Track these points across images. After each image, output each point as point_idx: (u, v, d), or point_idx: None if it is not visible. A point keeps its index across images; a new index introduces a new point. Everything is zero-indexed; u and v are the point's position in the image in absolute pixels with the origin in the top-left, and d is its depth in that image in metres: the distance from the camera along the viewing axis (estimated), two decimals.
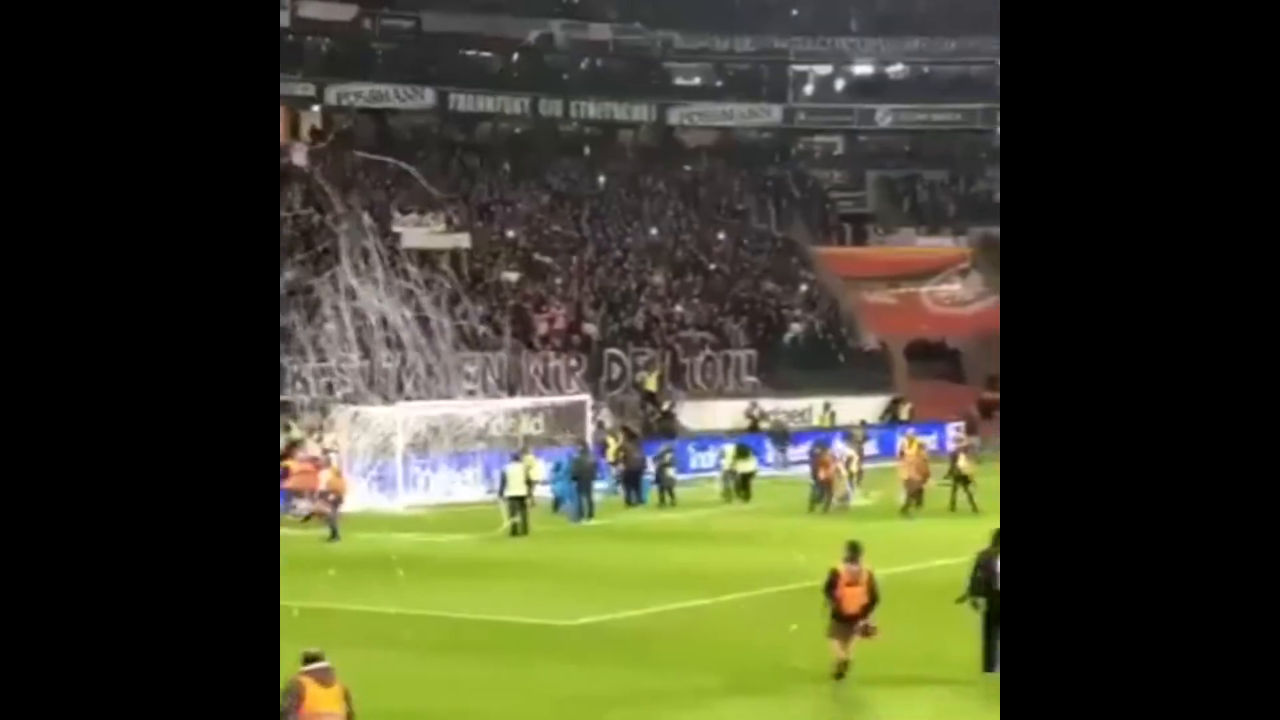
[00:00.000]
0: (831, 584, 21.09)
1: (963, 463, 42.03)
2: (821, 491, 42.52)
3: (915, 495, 40.92)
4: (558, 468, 42.81)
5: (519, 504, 38.00)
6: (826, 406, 62.19)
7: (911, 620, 22.98)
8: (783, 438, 58.27)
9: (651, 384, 59.52)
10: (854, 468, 44.30)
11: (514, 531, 37.45)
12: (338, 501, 37.37)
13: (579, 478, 41.59)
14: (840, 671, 21.06)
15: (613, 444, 47.20)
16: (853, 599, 20.89)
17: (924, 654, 22.38)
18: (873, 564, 21.40)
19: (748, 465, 46.53)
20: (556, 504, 41.73)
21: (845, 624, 20.97)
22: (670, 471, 45.56)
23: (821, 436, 49.63)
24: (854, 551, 21.31)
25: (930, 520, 39.01)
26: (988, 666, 20.65)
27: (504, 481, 38.55)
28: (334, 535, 36.37)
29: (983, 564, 21.25)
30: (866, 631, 21.05)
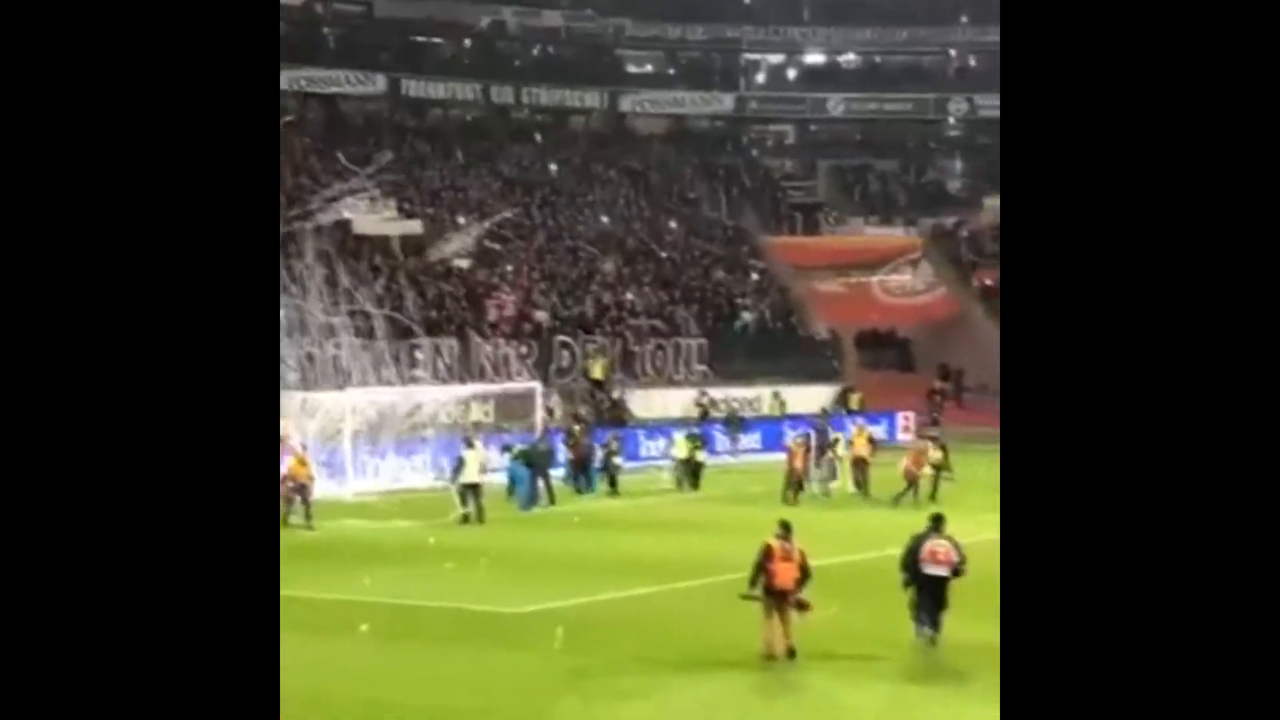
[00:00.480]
0: (765, 558, 21.59)
1: (934, 453, 42.01)
2: (798, 481, 42.53)
3: (912, 484, 40.63)
4: (510, 451, 42.63)
5: (473, 491, 37.95)
6: (776, 395, 62.31)
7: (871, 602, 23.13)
8: (736, 425, 58.37)
9: (598, 372, 59.51)
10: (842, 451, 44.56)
11: (466, 520, 37.38)
12: (302, 489, 36.71)
13: (533, 465, 41.53)
14: (773, 653, 21.47)
15: (578, 431, 47.16)
16: (785, 574, 21.43)
17: (876, 635, 22.54)
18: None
19: (699, 455, 46.56)
20: (510, 490, 41.67)
21: (778, 598, 21.45)
22: (617, 460, 45.51)
23: (804, 426, 49.54)
24: (785, 529, 22.00)
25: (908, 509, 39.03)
26: (933, 628, 22.42)
27: (458, 468, 38.52)
28: (307, 522, 35.89)
29: (913, 547, 22.71)
30: (801, 605, 21.52)
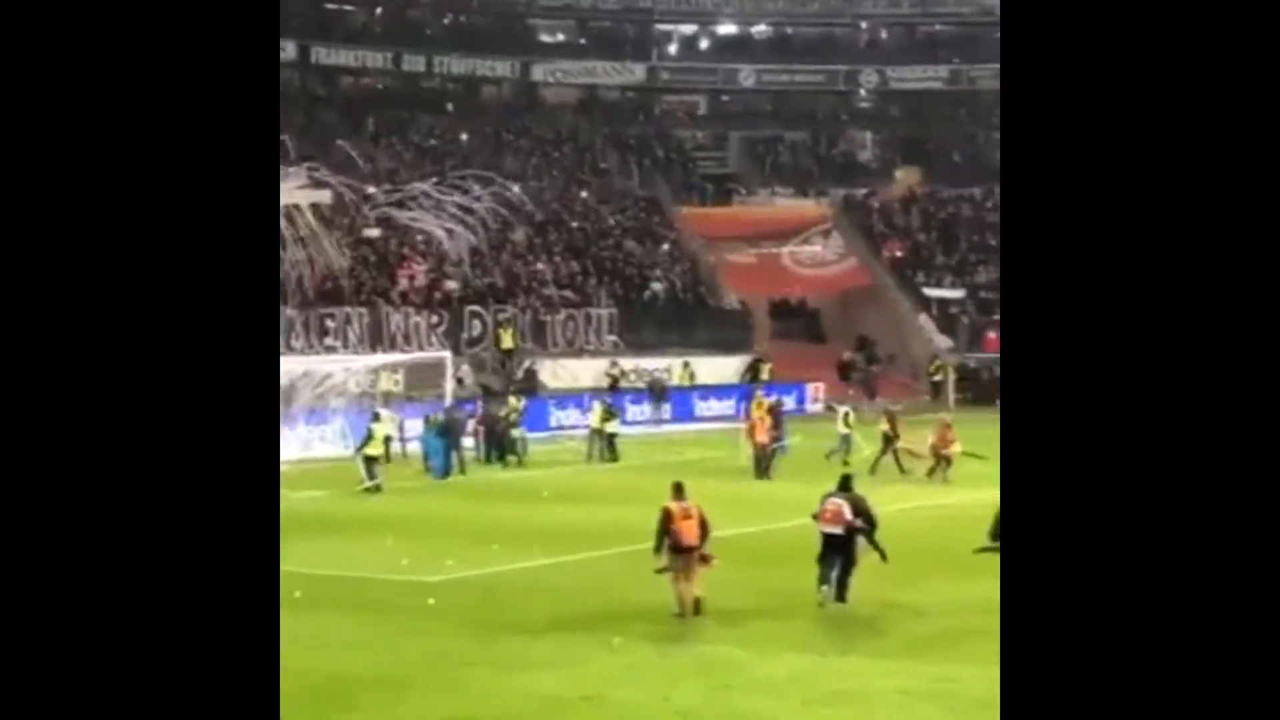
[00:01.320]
0: (666, 520, 22.63)
1: (885, 426, 42.17)
2: (762, 456, 41.29)
3: (941, 461, 40.16)
4: (427, 421, 42.65)
5: (373, 463, 38.12)
6: (685, 365, 62.47)
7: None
8: (660, 395, 58.57)
9: (507, 341, 59.51)
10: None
11: (378, 490, 37.45)
12: None
13: (446, 434, 41.55)
14: (685, 610, 22.49)
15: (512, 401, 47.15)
16: (689, 531, 22.48)
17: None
18: None
19: (613, 425, 46.53)
20: (425, 460, 41.75)
21: (684, 556, 22.52)
22: (515, 432, 45.19)
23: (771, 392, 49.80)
24: (679, 490, 23.16)
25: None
26: (837, 596, 23.41)
27: (366, 439, 38.62)
28: None
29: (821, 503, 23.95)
30: (705, 559, 22.71)
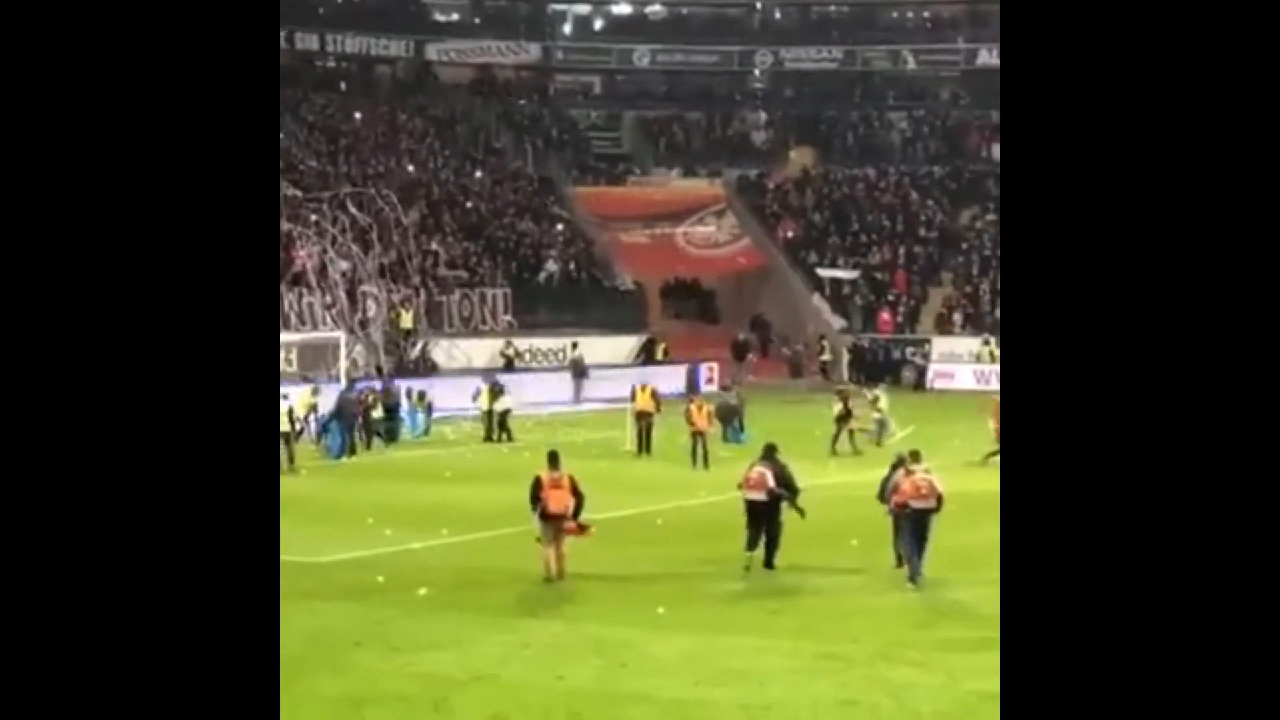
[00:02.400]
0: (536, 488, 23.72)
1: (839, 406, 42.19)
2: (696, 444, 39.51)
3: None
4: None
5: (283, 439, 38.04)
6: (574, 346, 62.37)
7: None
8: (581, 374, 58.54)
9: (407, 321, 59.29)
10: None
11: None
12: None
13: (343, 414, 41.41)
14: (551, 574, 23.60)
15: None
16: (557, 500, 23.52)
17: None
18: None
19: (503, 403, 46.34)
20: (318, 439, 41.62)
21: (552, 523, 23.55)
22: (374, 414, 44.37)
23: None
24: (554, 459, 24.23)
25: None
26: (766, 563, 24.57)
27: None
28: None
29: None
30: (582, 529, 23.88)
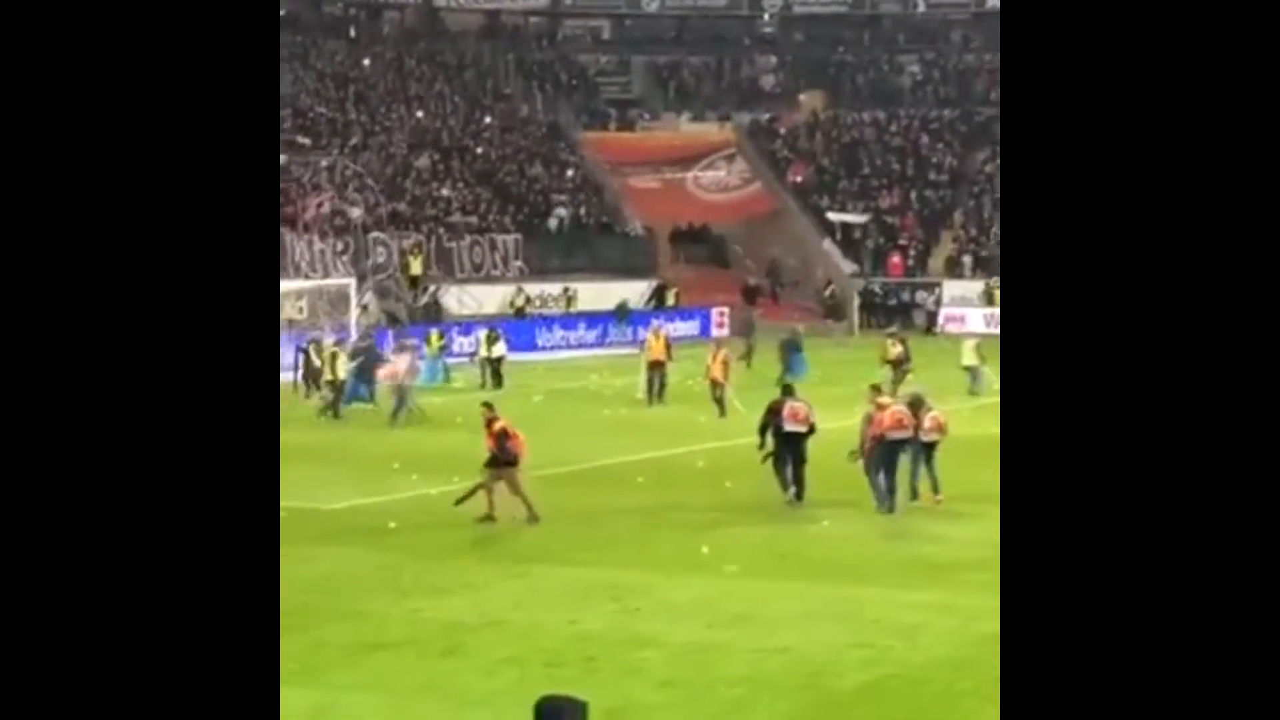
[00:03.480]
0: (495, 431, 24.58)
1: (894, 348, 41.60)
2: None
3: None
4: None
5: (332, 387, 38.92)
6: (565, 290, 62.06)
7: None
8: (624, 316, 59.54)
9: (416, 268, 59.29)
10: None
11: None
12: None
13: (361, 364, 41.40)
14: (491, 515, 24.34)
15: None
16: (517, 442, 24.46)
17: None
18: None
19: (498, 350, 46.01)
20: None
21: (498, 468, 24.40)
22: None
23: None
24: (488, 407, 25.84)
25: None
26: (798, 496, 25.53)
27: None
28: None
29: (772, 409, 25.79)
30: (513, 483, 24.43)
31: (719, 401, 37.96)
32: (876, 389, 26.54)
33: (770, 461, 25.69)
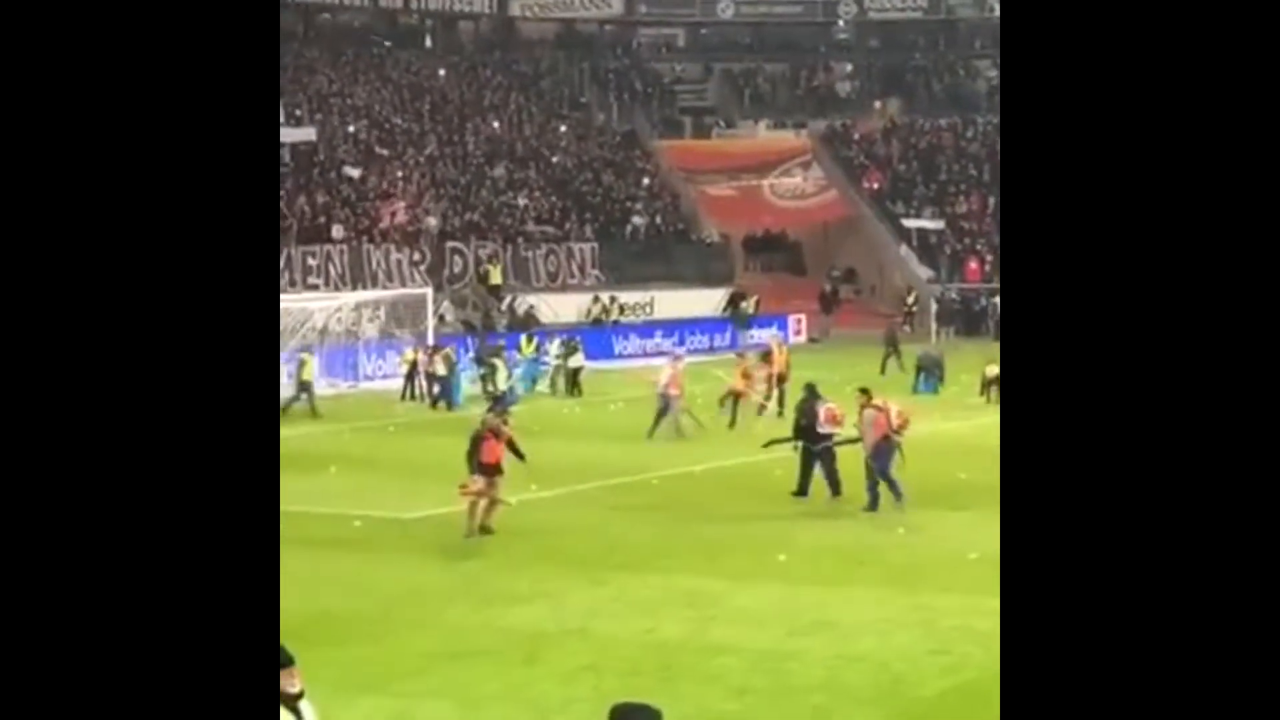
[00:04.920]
0: (477, 438, 24.29)
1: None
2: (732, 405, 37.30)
3: None
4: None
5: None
6: (612, 300, 61.58)
7: None
8: (743, 321, 61.10)
9: (495, 277, 59.47)
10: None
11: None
12: None
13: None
14: (473, 527, 24.02)
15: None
16: (491, 451, 24.12)
17: None
18: None
19: (575, 360, 46.05)
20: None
21: (485, 473, 24.02)
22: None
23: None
24: (495, 413, 26.99)
25: None
26: (835, 493, 26.25)
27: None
28: None
29: (804, 410, 26.77)
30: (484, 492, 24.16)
31: (731, 412, 37.00)
32: (865, 392, 26.68)
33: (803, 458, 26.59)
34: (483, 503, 24.13)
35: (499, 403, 37.83)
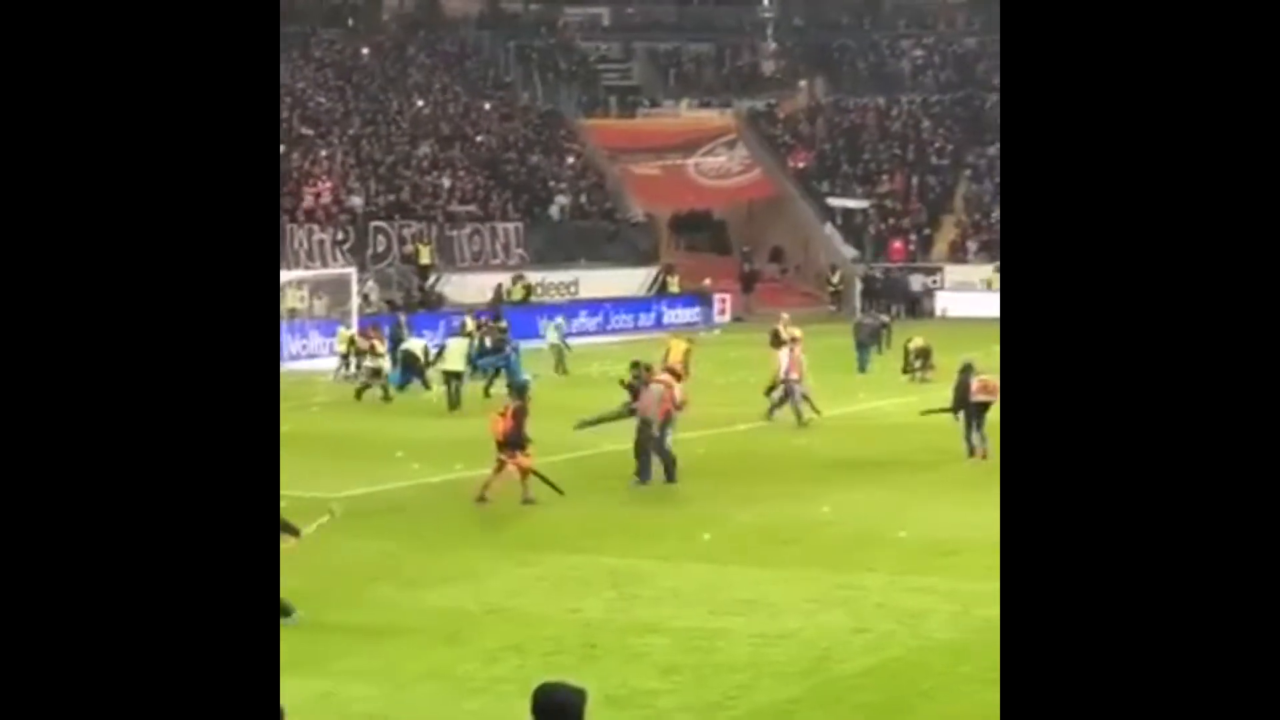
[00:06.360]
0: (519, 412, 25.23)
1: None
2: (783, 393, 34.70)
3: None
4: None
5: (455, 379, 38.40)
6: (518, 279, 60.94)
7: None
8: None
9: (425, 256, 59.32)
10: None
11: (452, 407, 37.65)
12: None
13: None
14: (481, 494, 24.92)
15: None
16: (497, 425, 24.99)
17: None
18: None
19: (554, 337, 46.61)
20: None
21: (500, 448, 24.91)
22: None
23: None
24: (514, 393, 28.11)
25: None
26: (971, 452, 28.73)
27: (440, 355, 39.73)
28: None
29: (962, 383, 29.09)
30: (482, 499, 24.94)
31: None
32: (648, 369, 28.38)
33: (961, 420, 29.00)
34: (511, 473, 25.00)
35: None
